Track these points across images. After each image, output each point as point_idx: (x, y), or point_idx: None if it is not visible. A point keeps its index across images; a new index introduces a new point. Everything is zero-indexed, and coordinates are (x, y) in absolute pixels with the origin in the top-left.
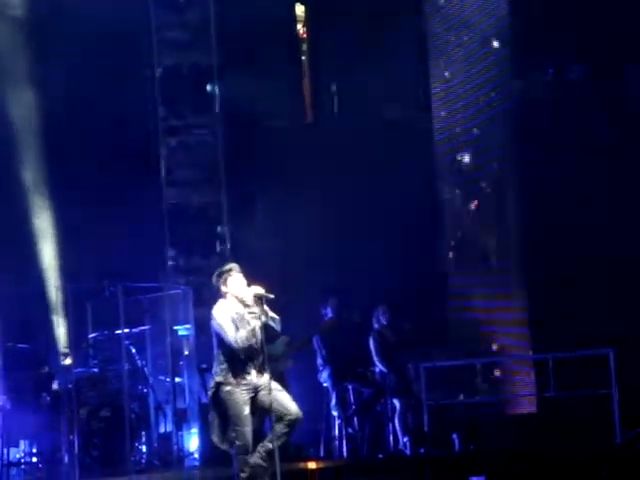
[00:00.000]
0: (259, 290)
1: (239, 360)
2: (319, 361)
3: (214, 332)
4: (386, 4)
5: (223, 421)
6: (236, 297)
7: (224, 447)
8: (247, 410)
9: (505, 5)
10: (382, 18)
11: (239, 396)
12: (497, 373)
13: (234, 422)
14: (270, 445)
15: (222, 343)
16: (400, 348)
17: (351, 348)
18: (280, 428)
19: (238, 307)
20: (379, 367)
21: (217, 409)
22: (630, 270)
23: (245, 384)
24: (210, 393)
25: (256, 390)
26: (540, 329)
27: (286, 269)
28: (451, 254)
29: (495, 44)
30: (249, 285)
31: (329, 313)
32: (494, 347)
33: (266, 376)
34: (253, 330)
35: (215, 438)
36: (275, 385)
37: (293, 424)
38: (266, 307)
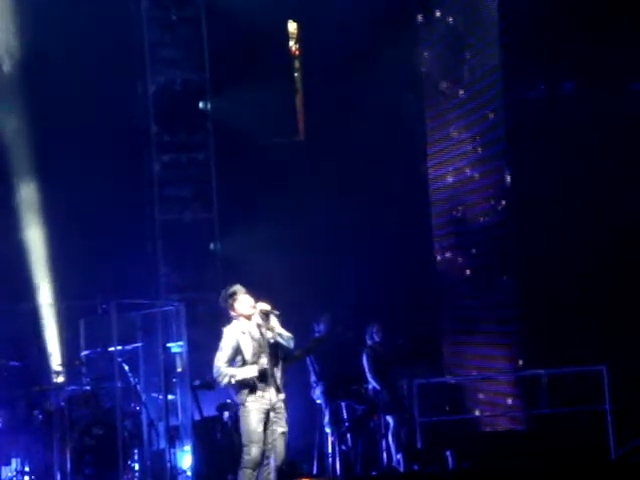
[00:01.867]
0: (265, 306)
1: (256, 378)
2: (312, 378)
3: None
4: (380, 19)
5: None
6: (246, 317)
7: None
8: (261, 427)
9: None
10: (376, 33)
11: (255, 414)
12: (489, 390)
13: (247, 437)
14: None
15: (238, 359)
16: (393, 365)
17: (344, 365)
18: (266, 474)
19: (249, 327)
20: (372, 384)
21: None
22: (624, 286)
23: (262, 402)
24: (237, 416)
25: (272, 408)
26: (533, 346)
27: (279, 285)
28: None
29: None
30: (256, 301)
31: (322, 330)
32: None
33: (282, 394)
34: (278, 336)
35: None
36: (283, 423)
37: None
38: (276, 324)
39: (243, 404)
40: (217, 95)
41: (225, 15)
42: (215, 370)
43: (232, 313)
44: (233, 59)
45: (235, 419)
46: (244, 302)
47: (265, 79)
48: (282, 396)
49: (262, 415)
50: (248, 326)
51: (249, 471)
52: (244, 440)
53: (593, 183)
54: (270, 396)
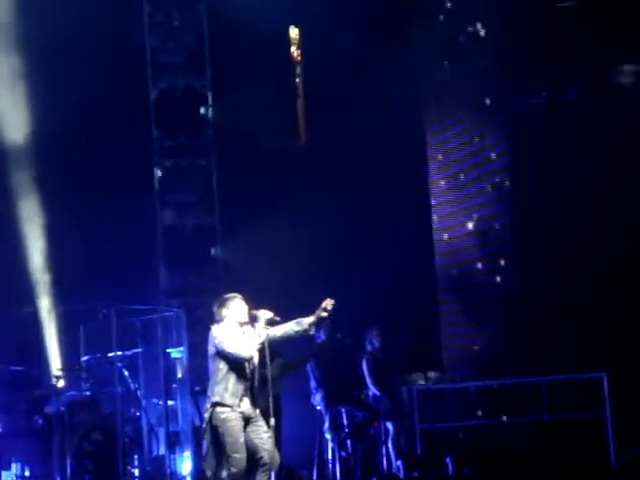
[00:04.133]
0: (268, 313)
1: (235, 382)
2: (312, 384)
3: (213, 353)
4: (381, 21)
5: (217, 450)
6: (237, 322)
7: (210, 474)
8: (242, 437)
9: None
10: (377, 39)
11: (235, 423)
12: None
13: (230, 448)
14: None
15: (220, 363)
16: (393, 371)
17: (344, 371)
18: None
19: (237, 330)
20: (372, 390)
21: (212, 435)
22: (625, 293)
23: (240, 411)
24: (207, 415)
25: (248, 420)
26: (533, 353)
27: (280, 290)
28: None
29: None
30: (251, 311)
31: (322, 336)
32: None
33: (257, 411)
34: (262, 345)
35: (209, 471)
36: (265, 429)
37: (268, 470)
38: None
39: (220, 409)
40: (219, 100)
41: (227, 21)
42: (238, 348)
43: (225, 312)
44: (235, 64)
45: (209, 430)
46: (240, 306)
47: (266, 84)
48: (257, 411)
49: (242, 423)
50: (238, 330)
51: None
52: (228, 452)
53: (600, 189)
54: (245, 406)
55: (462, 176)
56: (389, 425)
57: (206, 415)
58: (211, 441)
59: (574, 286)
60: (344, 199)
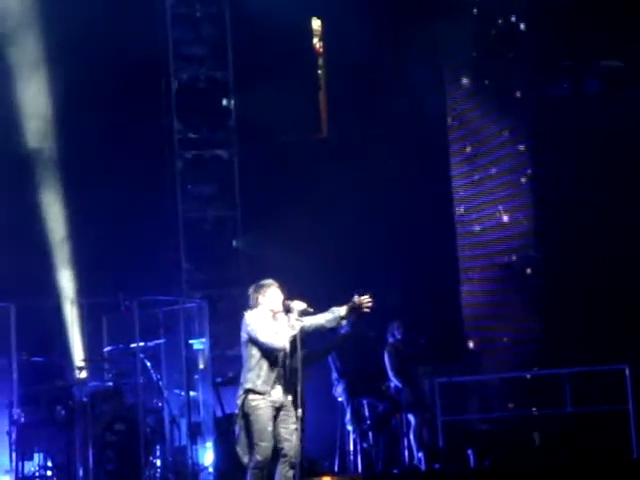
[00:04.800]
0: (301, 304)
1: (268, 370)
2: (334, 375)
3: (245, 339)
4: (403, 12)
5: (248, 434)
6: (271, 310)
7: (246, 460)
8: (271, 426)
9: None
10: (400, 31)
11: (265, 411)
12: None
13: (257, 436)
14: None
15: (253, 350)
16: (415, 363)
17: (366, 363)
18: (285, 471)
19: (271, 318)
20: (394, 382)
21: (244, 421)
22: None
23: (271, 400)
24: (239, 402)
25: (280, 408)
26: (556, 345)
27: (301, 282)
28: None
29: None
30: (285, 301)
31: (344, 327)
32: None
33: (289, 398)
34: (293, 337)
35: (240, 451)
36: (293, 419)
37: (292, 465)
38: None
39: (252, 396)
40: (240, 92)
41: (249, 12)
42: (272, 339)
43: (261, 299)
44: (257, 56)
45: (241, 416)
46: (276, 295)
47: (288, 76)
48: (290, 398)
49: (272, 412)
50: (271, 318)
51: (258, 472)
52: (254, 440)
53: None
54: (277, 394)
55: (490, 169)
56: (411, 417)
57: (238, 402)
58: (243, 427)
59: (598, 279)
60: (366, 191)
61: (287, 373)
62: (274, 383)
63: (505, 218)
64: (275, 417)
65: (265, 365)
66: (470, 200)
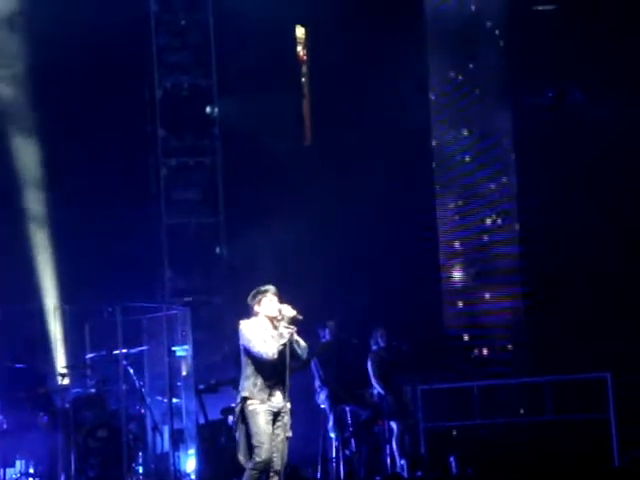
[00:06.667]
0: (291, 311)
1: (264, 377)
2: (317, 383)
3: (242, 348)
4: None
5: (248, 438)
6: (268, 318)
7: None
8: (270, 429)
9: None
10: (383, 38)
11: (263, 415)
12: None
13: (257, 439)
14: None
15: (249, 358)
16: (398, 370)
17: (349, 370)
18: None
19: (268, 326)
20: (377, 389)
21: (244, 425)
22: (628, 293)
23: (269, 405)
24: (237, 409)
25: (278, 413)
26: (538, 353)
27: (284, 290)
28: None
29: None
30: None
31: (327, 335)
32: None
33: (288, 404)
34: (284, 345)
35: (242, 458)
36: (287, 427)
37: (276, 472)
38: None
39: (250, 402)
40: (224, 100)
41: (233, 20)
42: (264, 352)
43: (257, 308)
44: (241, 64)
45: (240, 421)
46: (272, 302)
47: (272, 84)
48: (288, 404)
49: (270, 417)
50: (267, 325)
51: (256, 473)
52: (254, 442)
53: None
54: (277, 400)
55: (469, 176)
56: (393, 424)
57: (236, 409)
58: (243, 432)
59: (580, 287)
60: (349, 199)
61: (286, 379)
62: (272, 390)
63: (481, 226)
64: (273, 422)
65: (262, 373)
66: (450, 208)
